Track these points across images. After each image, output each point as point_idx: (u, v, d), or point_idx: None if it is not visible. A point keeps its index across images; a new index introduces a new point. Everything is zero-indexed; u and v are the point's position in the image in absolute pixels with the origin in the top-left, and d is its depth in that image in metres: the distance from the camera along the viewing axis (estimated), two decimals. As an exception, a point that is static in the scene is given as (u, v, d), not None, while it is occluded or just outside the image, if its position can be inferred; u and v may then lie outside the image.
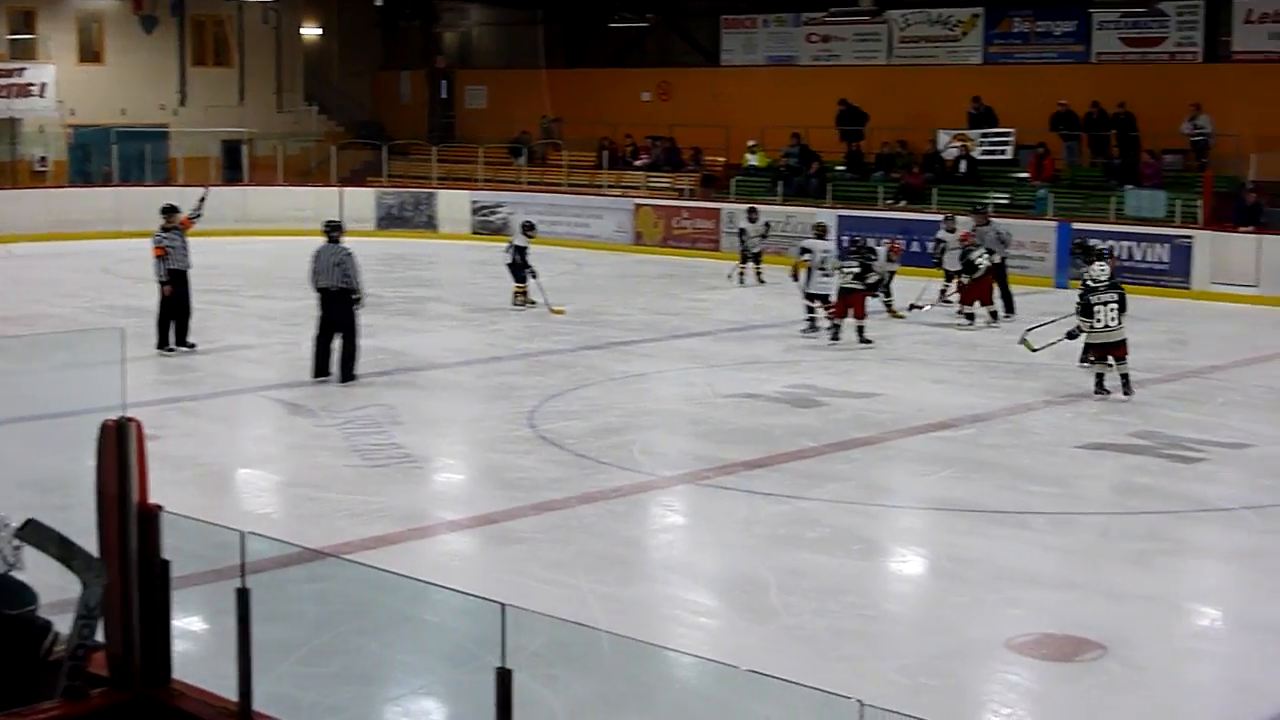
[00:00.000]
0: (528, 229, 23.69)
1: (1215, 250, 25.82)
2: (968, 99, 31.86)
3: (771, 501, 12.10)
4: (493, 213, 35.14)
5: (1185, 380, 17.85)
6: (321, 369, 16.94)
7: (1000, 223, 24.30)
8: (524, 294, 23.10)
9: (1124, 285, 16.97)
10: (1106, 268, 17.32)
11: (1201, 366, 18.78)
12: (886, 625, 9.46)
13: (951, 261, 23.52)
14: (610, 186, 35.71)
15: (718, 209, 32.23)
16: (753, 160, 34.42)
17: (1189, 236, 26.27)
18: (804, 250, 21.10)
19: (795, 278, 20.98)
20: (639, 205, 33.67)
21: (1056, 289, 26.33)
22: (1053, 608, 9.69)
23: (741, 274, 27.06)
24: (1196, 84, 29.78)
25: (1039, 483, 12.85)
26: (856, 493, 12.51)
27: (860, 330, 19.91)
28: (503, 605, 5.63)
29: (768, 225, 27.62)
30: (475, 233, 35.08)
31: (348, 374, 16.89)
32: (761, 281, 26.66)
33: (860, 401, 16.27)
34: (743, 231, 27.46)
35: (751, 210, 27.86)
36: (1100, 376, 16.79)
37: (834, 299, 20.28)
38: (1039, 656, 8.83)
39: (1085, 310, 16.74)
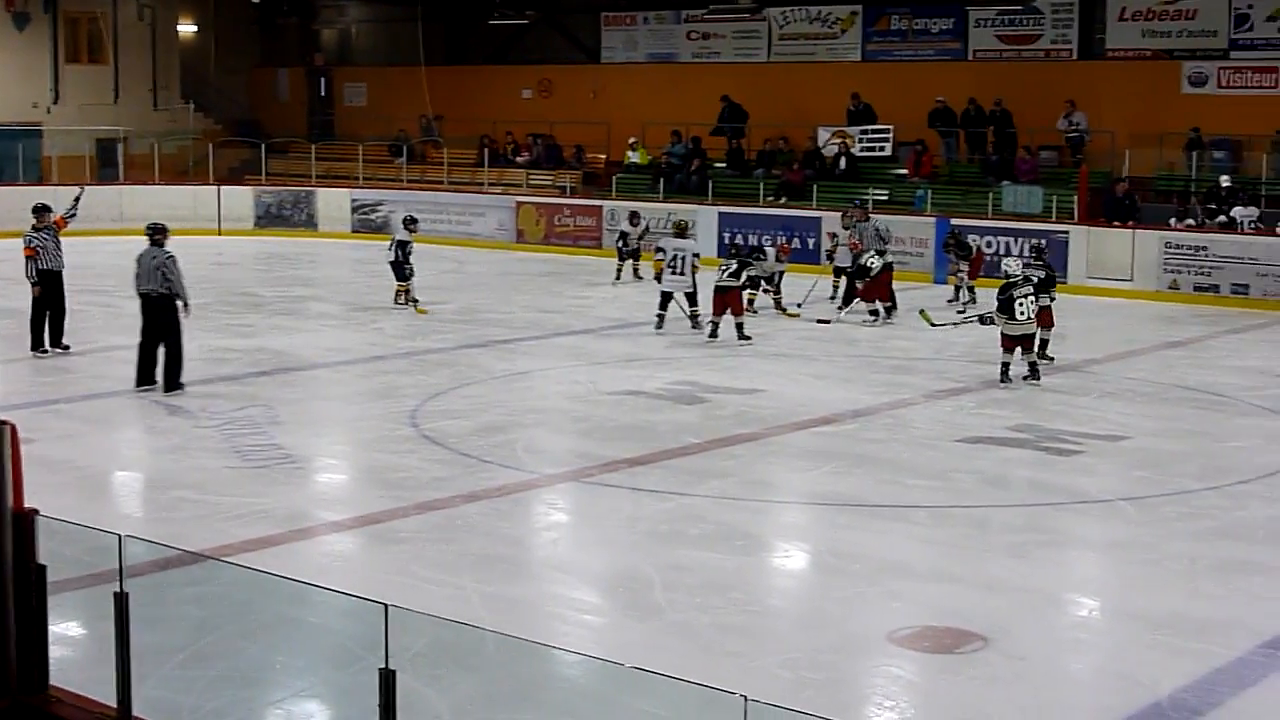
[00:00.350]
0: (410, 224, 23.59)
1: (1091, 245, 26.23)
2: (847, 96, 32.11)
3: (655, 498, 12.13)
4: (373, 211, 34.92)
5: (1062, 373, 18.11)
6: (145, 377, 16.21)
7: (880, 219, 24.57)
8: (406, 292, 22.98)
9: (1001, 280, 17.34)
10: (1018, 263, 18.17)
11: (1078, 360, 19.06)
12: (770, 620, 9.51)
13: (844, 258, 23.69)
14: (491, 184, 35.60)
15: (599, 206, 32.25)
16: (634, 158, 34.47)
17: (1065, 231, 26.67)
18: (658, 249, 21.28)
19: (659, 279, 21.12)
20: (520, 203, 33.62)
21: (935, 284, 26.60)
22: (934, 600, 9.80)
23: (619, 271, 27.12)
24: (1071, 81, 30.25)
25: (919, 476, 12.98)
26: (739, 489, 12.57)
27: (739, 327, 20.03)
28: (386, 606, 5.61)
29: (648, 228, 27.67)
30: (355, 231, 34.84)
31: (172, 383, 16.11)
32: (639, 278, 26.74)
33: (742, 398, 16.35)
34: (624, 235, 27.52)
35: (634, 215, 27.88)
36: (1006, 366, 17.30)
37: (698, 296, 20.54)
38: (921, 649, 8.93)
39: (1005, 305, 17.25)
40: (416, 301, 22.67)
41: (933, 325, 18.99)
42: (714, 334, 20.06)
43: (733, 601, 9.66)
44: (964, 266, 24.29)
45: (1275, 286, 24.47)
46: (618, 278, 26.96)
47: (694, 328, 20.41)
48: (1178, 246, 25.42)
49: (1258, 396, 16.99)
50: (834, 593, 10.04)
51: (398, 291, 23.06)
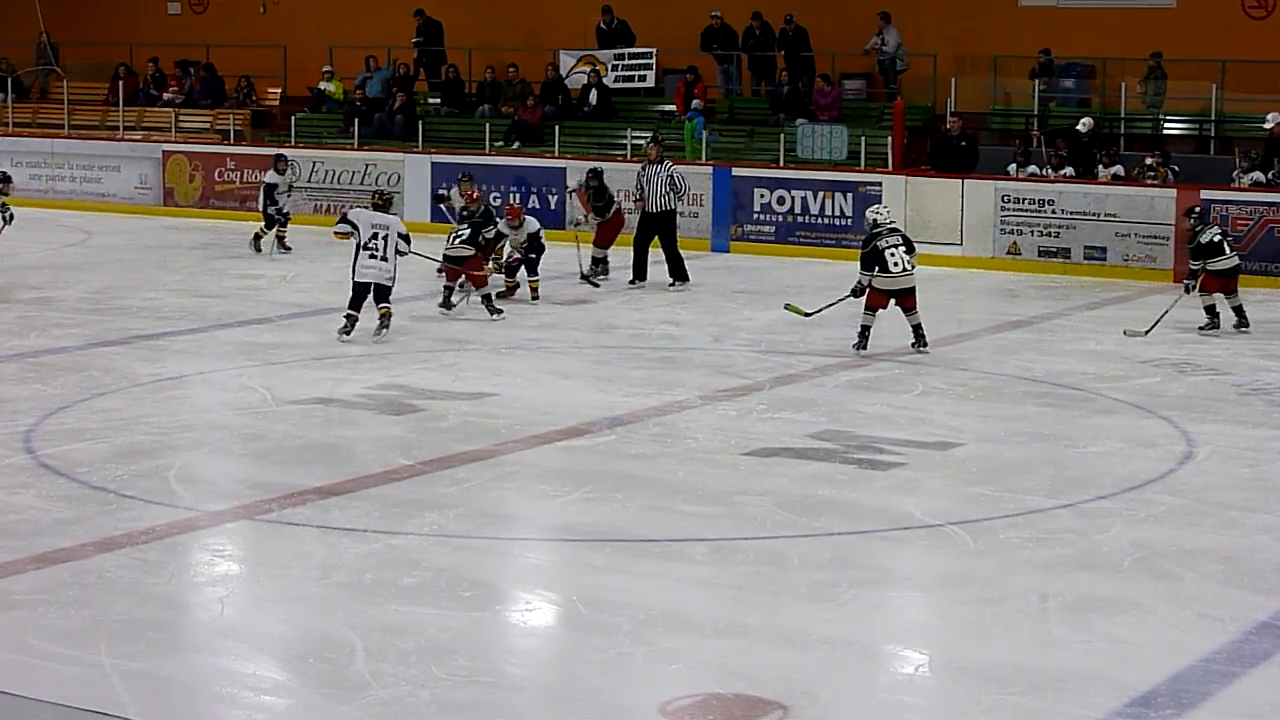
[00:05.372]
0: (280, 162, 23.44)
1: (910, 200, 26.69)
2: (596, 12, 32.27)
3: (355, 539, 12.06)
4: (-33, 166, 34.16)
5: (875, 365, 18.42)
6: None
7: (675, 166, 24.90)
8: None
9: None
10: (886, 210, 19.35)
11: (894, 347, 19.39)
12: (508, 693, 9.51)
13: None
14: (129, 128, 35.07)
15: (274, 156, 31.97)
16: (330, 89, 34.18)
17: (877, 183, 27.13)
18: (345, 222, 20.95)
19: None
20: (169, 153, 33.16)
21: (714, 253, 26.91)
22: (719, 660, 9.88)
23: (257, 238, 26.82)
24: (881, -11, 30.78)
25: (697, 501, 13.09)
26: (464, 523, 12.56)
27: (487, 300, 20.50)
28: (-7, 692, 5.50)
29: (297, 177, 27.45)
30: (-58, 193, 34.06)
31: None
32: (286, 249, 26.66)
33: (467, 404, 16.35)
34: (270, 188, 27.01)
35: (280, 159, 27.42)
36: (866, 330, 18.50)
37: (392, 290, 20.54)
38: (703, 723, 9.02)
39: (874, 258, 18.48)
40: None
41: (806, 315, 19.36)
42: (446, 303, 20.73)
43: (459, 670, 9.64)
44: (593, 219, 24.31)
45: (1139, 250, 25.21)
46: (257, 247, 26.73)
47: (380, 330, 19.79)
48: (1018, 201, 26.05)
49: (1119, 389, 17.49)
50: (590, 655, 10.07)
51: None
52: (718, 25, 31.46)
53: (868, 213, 19.26)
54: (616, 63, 31.79)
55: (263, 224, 27.08)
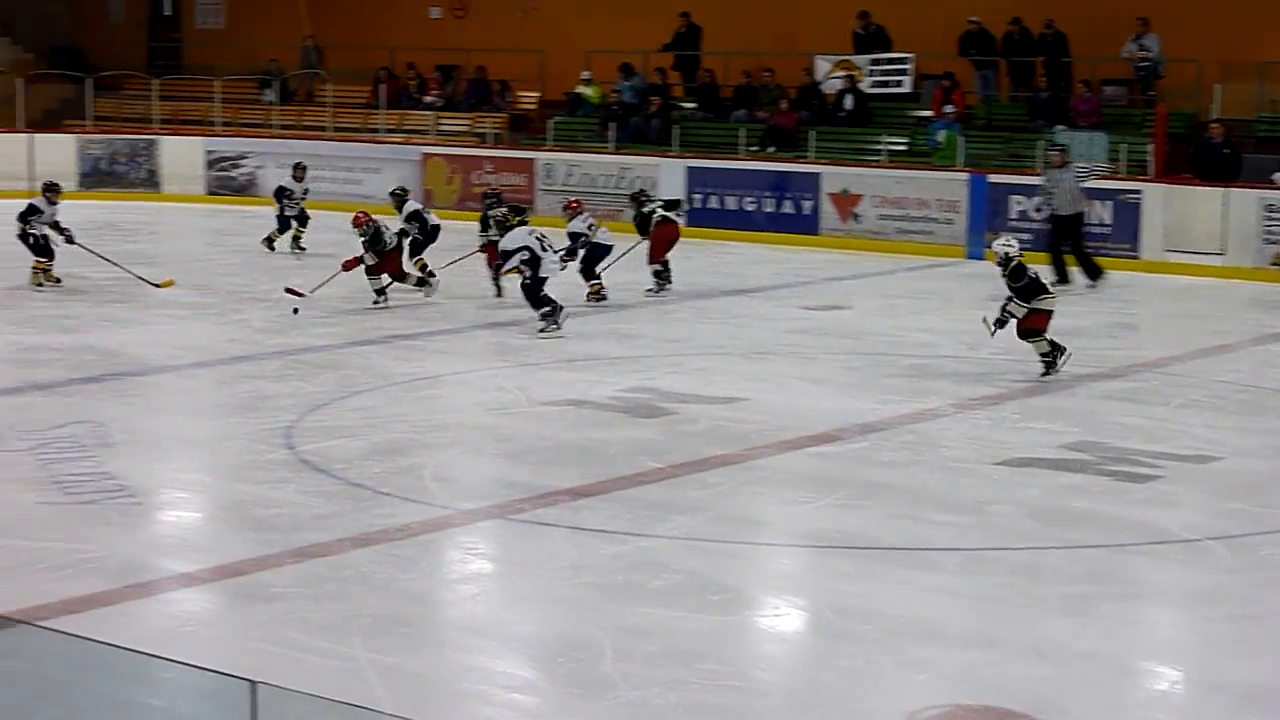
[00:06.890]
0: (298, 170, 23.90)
1: (1172, 209, 26.31)
2: (853, 16, 32.16)
3: (605, 540, 12.12)
4: (235, 166, 34.79)
5: (1133, 375, 18.18)
6: None
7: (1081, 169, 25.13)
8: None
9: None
10: (1017, 242, 18.60)
11: (1154, 358, 19.15)
12: (755, 698, 9.52)
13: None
14: (390, 131, 35.53)
15: (530, 160, 32.26)
16: (587, 93, 34.41)
17: (1137, 192, 26.77)
18: (504, 254, 20.75)
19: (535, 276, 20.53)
20: (428, 155, 33.55)
21: (969, 260, 26.68)
22: (967, 671, 9.82)
23: (271, 240, 27.36)
24: (1141, -7, 30.34)
25: (948, 510, 13.01)
26: (714, 527, 12.58)
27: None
28: (253, 683, 5.60)
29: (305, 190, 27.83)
30: (212, 192, 34.75)
31: None
32: (301, 249, 27.18)
33: (718, 408, 16.37)
34: (285, 191, 27.53)
35: (299, 166, 28.00)
36: (1049, 352, 17.88)
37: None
38: (951, 734, 8.96)
39: (1038, 287, 17.90)
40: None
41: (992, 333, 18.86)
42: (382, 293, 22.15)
43: (707, 674, 9.66)
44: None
45: None
46: (270, 247, 27.29)
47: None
48: (1284, 210, 25.59)
49: (1386, 404, 17.13)
50: (838, 662, 10.05)
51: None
52: (976, 30, 31.19)
53: (997, 246, 18.29)
54: (873, 68, 31.62)
55: (276, 227, 27.46)
